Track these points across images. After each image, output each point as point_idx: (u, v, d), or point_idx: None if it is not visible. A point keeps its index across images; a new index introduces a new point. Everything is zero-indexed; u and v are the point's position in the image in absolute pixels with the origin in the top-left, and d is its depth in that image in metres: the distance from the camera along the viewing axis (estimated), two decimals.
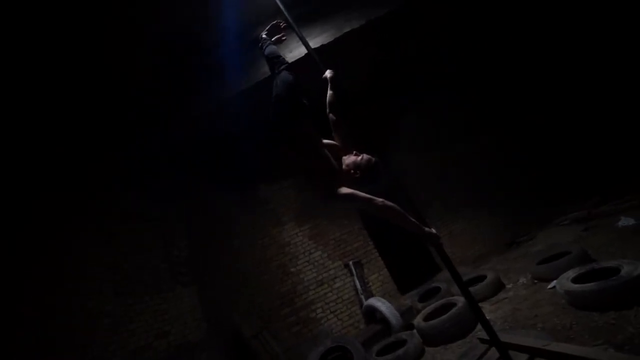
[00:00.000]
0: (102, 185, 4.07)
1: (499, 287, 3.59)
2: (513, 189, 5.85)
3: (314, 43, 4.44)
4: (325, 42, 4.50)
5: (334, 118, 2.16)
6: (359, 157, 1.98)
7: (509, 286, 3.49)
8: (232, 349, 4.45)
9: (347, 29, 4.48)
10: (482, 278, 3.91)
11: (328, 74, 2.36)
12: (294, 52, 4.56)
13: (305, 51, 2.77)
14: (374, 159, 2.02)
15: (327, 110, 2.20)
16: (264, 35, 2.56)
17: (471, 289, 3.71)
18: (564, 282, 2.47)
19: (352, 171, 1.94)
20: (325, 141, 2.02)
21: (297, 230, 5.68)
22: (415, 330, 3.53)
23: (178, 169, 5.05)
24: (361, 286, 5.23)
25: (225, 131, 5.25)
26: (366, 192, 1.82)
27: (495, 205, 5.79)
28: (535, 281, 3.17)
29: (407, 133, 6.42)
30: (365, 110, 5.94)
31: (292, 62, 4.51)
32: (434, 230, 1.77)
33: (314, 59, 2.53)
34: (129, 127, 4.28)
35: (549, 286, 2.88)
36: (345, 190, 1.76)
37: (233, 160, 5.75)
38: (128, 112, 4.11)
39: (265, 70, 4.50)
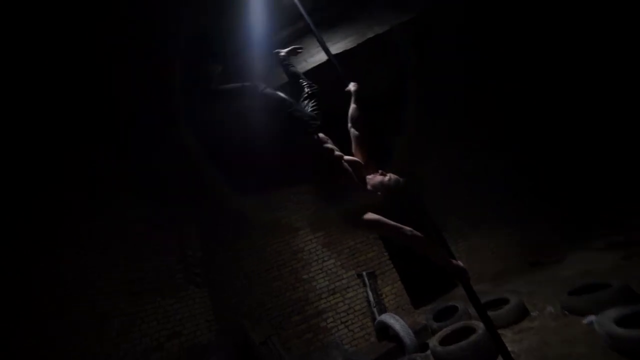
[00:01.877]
0: (118, 188, 4.15)
1: (523, 313, 3.35)
2: (538, 204, 5.51)
3: (336, 48, 4.35)
4: (347, 48, 4.40)
5: (357, 133, 2.02)
6: (386, 177, 1.84)
7: (534, 314, 3.26)
8: (241, 353, 4.43)
9: (370, 35, 4.35)
10: (503, 301, 3.68)
11: (352, 87, 2.25)
12: (315, 57, 4.49)
13: (326, 57, 2.68)
14: (402, 180, 1.90)
15: (349, 124, 2.07)
16: (282, 54, 2.43)
17: (491, 313, 3.51)
18: (606, 322, 2.22)
19: (379, 193, 1.80)
20: (347, 157, 1.85)
21: (311, 236, 5.61)
22: (429, 352, 3.36)
23: (193, 171, 5.09)
24: (374, 298, 5.08)
25: (242, 136, 5.25)
26: (389, 216, 1.69)
27: (518, 220, 5.48)
28: (566, 312, 2.91)
29: (425, 142, 6.19)
30: (384, 117, 5.79)
31: (312, 68, 4.45)
32: (461, 264, 1.63)
33: (335, 65, 2.44)
34: (145, 130, 4.36)
35: (584, 321, 2.63)
36: (370, 215, 1.59)
37: (249, 164, 5.75)
38: (144, 116, 4.17)
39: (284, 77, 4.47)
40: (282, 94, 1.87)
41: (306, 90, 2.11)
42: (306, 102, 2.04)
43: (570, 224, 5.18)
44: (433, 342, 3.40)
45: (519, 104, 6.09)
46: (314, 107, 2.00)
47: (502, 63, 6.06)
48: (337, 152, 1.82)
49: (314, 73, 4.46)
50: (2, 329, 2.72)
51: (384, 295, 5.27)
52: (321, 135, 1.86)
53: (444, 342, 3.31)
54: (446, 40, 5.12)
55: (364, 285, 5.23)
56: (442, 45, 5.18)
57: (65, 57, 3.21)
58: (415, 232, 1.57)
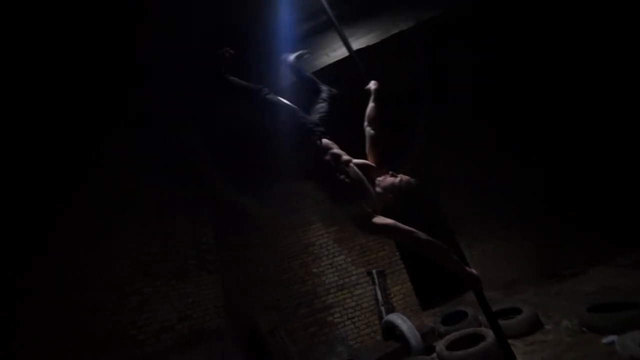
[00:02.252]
0: (137, 171, 4.29)
1: (536, 325, 3.26)
2: (558, 214, 5.27)
3: (359, 44, 4.28)
4: (370, 43, 4.31)
5: (372, 133, 1.97)
6: (397, 179, 1.81)
7: (548, 327, 3.16)
8: (249, 341, 4.54)
9: (394, 31, 4.25)
10: (515, 311, 3.58)
11: (372, 85, 2.20)
12: (337, 51, 4.44)
13: (347, 53, 2.65)
14: (413, 181, 1.86)
15: (365, 123, 2.02)
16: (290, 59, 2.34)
17: (503, 322, 3.43)
18: (630, 344, 2.11)
19: (390, 195, 1.77)
20: (356, 161, 1.82)
21: (323, 231, 5.63)
22: (435, 356, 3.33)
23: (211, 160, 5.19)
24: (382, 297, 5.07)
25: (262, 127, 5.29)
26: (401, 218, 1.66)
27: (536, 229, 5.28)
28: (584, 329, 2.79)
29: (442, 142, 6.03)
30: (402, 115, 5.68)
31: (334, 62, 4.40)
32: (475, 272, 1.59)
33: (356, 62, 2.40)
34: (167, 118, 4.46)
35: (604, 341, 2.50)
36: (382, 220, 1.55)
37: (267, 155, 5.79)
38: (168, 103, 4.27)
39: (312, 64, 4.44)
40: (284, 101, 1.85)
41: (323, 95, 2.09)
42: (320, 105, 2.02)
43: (592, 237, 4.94)
44: (440, 345, 3.37)
45: (542, 111, 5.84)
46: (324, 113, 1.98)
47: (524, 67, 5.80)
48: (345, 157, 1.78)
49: (336, 68, 4.43)
50: (34, 301, 2.91)
51: (392, 295, 5.25)
52: (325, 141, 1.81)
53: (451, 347, 3.27)
54: (468, 41, 4.95)
55: (373, 283, 5.22)
56: (464, 46, 5.02)
57: (77, 30, 3.22)
58: (429, 237, 1.54)
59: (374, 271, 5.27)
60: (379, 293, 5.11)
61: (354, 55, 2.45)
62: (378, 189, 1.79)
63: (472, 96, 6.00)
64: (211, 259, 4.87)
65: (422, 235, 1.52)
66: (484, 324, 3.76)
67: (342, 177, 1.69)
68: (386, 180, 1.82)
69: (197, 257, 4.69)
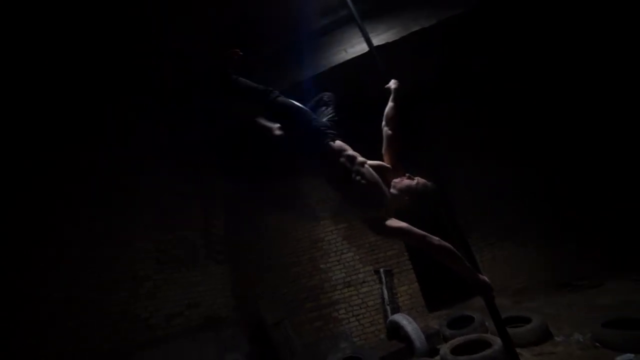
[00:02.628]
0: (153, 164, 4.38)
1: (545, 335, 3.19)
2: (575, 221, 5.11)
3: (378, 40, 4.21)
4: (390, 40, 4.24)
5: (390, 133, 1.95)
6: (414, 181, 1.79)
7: (558, 339, 3.09)
8: (254, 331, 4.64)
9: (415, 28, 4.16)
10: (524, 320, 3.51)
11: (392, 84, 2.17)
12: (356, 47, 4.38)
13: (367, 48, 2.61)
14: (430, 185, 1.84)
15: (383, 123, 2.00)
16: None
17: (511, 330, 3.37)
18: None
19: (406, 197, 1.76)
20: (371, 162, 1.82)
21: (333, 227, 5.65)
22: (439, 359, 3.32)
23: (222, 152, 5.27)
24: (388, 296, 5.08)
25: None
26: (415, 221, 1.65)
27: (550, 237, 5.14)
28: (597, 344, 2.70)
29: (457, 143, 5.90)
30: (416, 114, 5.60)
31: (352, 59, 4.36)
32: (487, 279, 1.56)
33: (376, 59, 2.36)
34: (180, 103, 4.52)
35: (619, 358, 2.40)
36: (396, 222, 1.56)
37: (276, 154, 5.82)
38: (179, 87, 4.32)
39: (330, 59, 4.42)
40: (296, 103, 1.86)
41: (324, 98, 2.11)
42: (324, 109, 2.04)
43: (611, 249, 4.78)
44: (444, 349, 3.35)
45: (562, 116, 5.64)
46: (331, 115, 2.00)
47: (542, 72, 5.59)
48: (360, 158, 1.79)
49: (353, 65, 4.38)
50: (60, 278, 3.06)
51: (399, 295, 5.25)
52: (339, 142, 1.83)
53: (455, 351, 3.25)
54: (487, 41, 4.81)
55: (380, 282, 5.22)
56: (483, 46, 4.88)
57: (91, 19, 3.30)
58: (443, 242, 1.52)
59: (381, 270, 5.26)
60: (385, 292, 5.11)
61: (374, 51, 2.41)
62: (393, 191, 1.77)
63: (491, 98, 5.85)
64: (220, 250, 4.98)
65: (435, 240, 1.51)
66: (491, 331, 3.72)
67: (357, 178, 1.69)
68: (402, 182, 1.80)
69: (207, 247, 4.80)
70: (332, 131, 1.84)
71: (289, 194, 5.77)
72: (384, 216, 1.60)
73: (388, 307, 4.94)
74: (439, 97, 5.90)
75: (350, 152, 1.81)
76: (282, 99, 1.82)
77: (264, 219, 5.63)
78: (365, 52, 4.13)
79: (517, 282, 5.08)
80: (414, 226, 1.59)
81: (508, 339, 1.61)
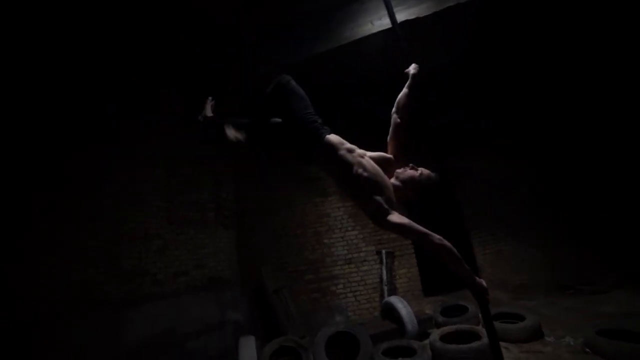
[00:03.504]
0: (166, 127, 4.41)
1: (536, 334, 3.22)
2: (584, 223, 4.98)
3: (408, 14, 3.92)
4: (421, 15, 3.93)
5: (398, 121, 1.85)
6: (417, 172, 1.73)
7: (548, 339, 3.12)
8: (254, 296, 4.89)
9: (451, 3, 3.82)
10: (518, 317, 3.55)
11: (412, 69, 2.02)
12: (383, 20, 4.09)
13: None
14: (434, 176, 1.78)
15: (394, 109, 1.89)
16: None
17: (502, 325, 3.43)
18: None
19: (409, 190, 1.71)
20: (370, 154, 1.78)
21: (340, 204, 5.68)
22: (428, 343, 3.44)
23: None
24: (387, 277, 5.19)
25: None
26: (411, 214, 1.63)
27: (555, 236, 5.06)
28: (587, 350, 2.72)
29: (467, 134, 5.67)
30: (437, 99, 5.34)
31: (378, 32, 4.09)
32: (484, 283, 1.54)
33: (397, 36, 2.18)
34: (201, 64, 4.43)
35: None
36: (398, 218, 1.51)
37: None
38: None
39: (354, 31, 4.17)
40: (303, 92, 1.82)
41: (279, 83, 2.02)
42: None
43: (622, 256, 4.65)
44: (434, 335, 3.45)
45: (569, 117, 5.32)
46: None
47: (554, 69, 5.19)
48: (358, 150, 1.74)
49: (380, 38, 4.13)
50: (76, 229, 3.25)
51: (397, 277, 5.35)
52: (334, 136, 1.76)
53: (445, 338, 3.34)
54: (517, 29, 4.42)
55: (381, 262, 5.32)
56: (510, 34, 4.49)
57: None
58: (444, 241, 1.49)
59: (383, 251, 5.34)
60: (384, 273, 5.21)
61: (396, 26, 2.21)
62: (396, 182, 1.73)
63: (503, 92, 5.58)
64: (228, 215, 5.12)
65: (436, 238, 1.48)
66: (483, 323, 3.78)
67: (359, 170, 1.64)
68: (405, 172, 1.74)
69: (216, 211, 4.93)
70: (326, 126, 1.79)
71: (299, 166, 5.76)
72: (386, 209, 1.56)
73: (385, 288, 5.07)
74: (454, 85, 5.61)
75: (348, 145, 1.76)
76: (293, 83, 1.79)
77: (273, 188, 5.69)
78: (374, 33, 3.90)
79: (517, 278, 5.07)
80: (415, 221, 1.57)
81: (493, 333, 1.62)
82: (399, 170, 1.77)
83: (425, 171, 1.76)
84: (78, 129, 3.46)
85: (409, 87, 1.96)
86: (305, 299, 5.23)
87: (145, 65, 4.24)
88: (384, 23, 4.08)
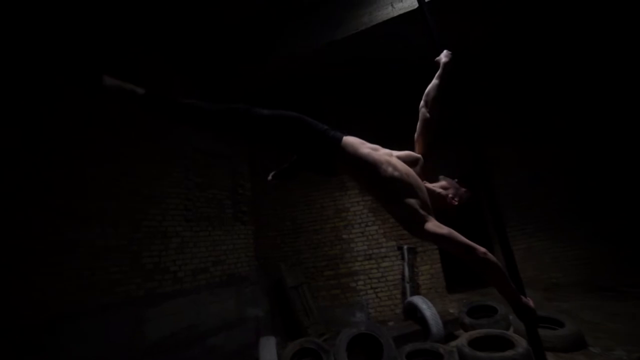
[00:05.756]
0: (177, 125, 4.34)
1: (578, 344, 2.95)
2: (626, 218, 4.56)
3: None
4: None
5: (428, 116, 1.65)
6: (463, 188, 1.60)
7: (593, 349, 2.84)
8: (273, 292, 4.85)
9: None
10: (555, 322, 3.28)
11: (443, 57, 1.78)
12: (405, 2, 3.77)
13: (416, 4, 2.17)
14: (470, 194, 1.63)
15: (422, 103, 1.69)
16: None
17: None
18: None
19: (450, 197, 1.55)
20: (397, 153, 1.58)
21: (359, 198, 5.49)
22: (455, 348, 3.25)
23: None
24: (409, 274, 5.00)
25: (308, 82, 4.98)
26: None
27: (595, 233, 4.67)
28: None
29: (503, 121, 5.27)
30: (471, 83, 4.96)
31: (398, 16, 3.78)
32: (531, 303, 1.33)
33: (425, 18, 1.94)
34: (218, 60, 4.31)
35: None
36: (436, 227, 1.31)
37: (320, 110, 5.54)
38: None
39: (373, 15, 3.87)
40: (280, 113, 1.54)
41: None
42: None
43: None
44: (462, 339, 3.26)
45: (616, 104, 4.78)
46: None
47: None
48: (383, 150, 1.55)
49: (400, 23, 3.81)
50: (99, 227, 3.26)
51: (420, 274, 5.15)
52: (351, 138, 1.54)
53: (474, 344, 3.14)
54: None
55: (402, 258, 5.12)
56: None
57: None
58: (489, 255, 1.28)
59: (405, 246, 5.13)
60: (406, 269, 5.02)
61: (424, 6, 1.97)
62: (435, 188, 1.56)
63: (539, 76, 5.09)
64: (245, 211, 5.06)
65: (481, 252, 1.26)
66: (514, 327, 3.54)
67: (389, 169, 1.44)
68: (450, 181, 1.61)
69: (234, 207, 4.89)
70: (335, 134, 1.54)
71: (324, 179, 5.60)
72: (423, 215, 1.35)
73: (407, 285, 4.89)
74: (484, 71, 5.19)
75: (369, 144, 1.56)
76: (267, 111, 1.49)
77: (290, 184, 5.56)
78: (416, 8, 3.55)
79: (551, 276, 4.75)
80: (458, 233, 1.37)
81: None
82: (442, 177, 1.65)
83: (465, 189, 1.63)
84: (97, 130, 3.43)
85: (440, 78, 1.73)
86: (325, 295, 5.15)
87: (160, 59, 4.15)
88: (406, 5, 3.76)
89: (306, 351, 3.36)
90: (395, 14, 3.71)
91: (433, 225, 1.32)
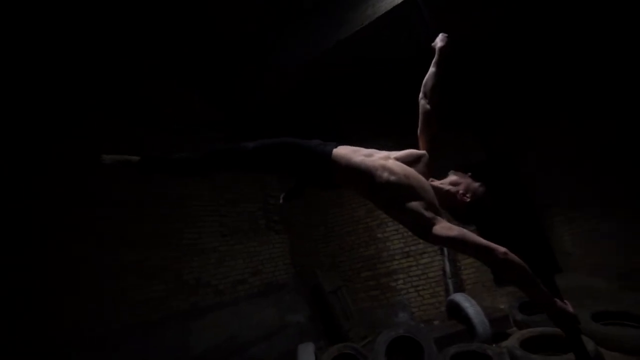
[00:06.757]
0: (208, 131, 4.61)
1: None
2: None
3: None
4: None
5: (428, 107, 1.55)
6: (477, 183, 1.42)
7: None
8: (311, 297, 4.90)
9: None
10: (632, 318, 2.87)
11: (439, 41, 1.66)
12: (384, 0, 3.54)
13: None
14: (486, 191, 1.43)
15: (421, 95, 1.59)
16: None
17: (607, 329, 2.81)
18: None
19: (461, 193, 1.39)
20: (396, 154, 1.49)
21: None
22: (505, 349, 3.01)
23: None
24: (450, 269, 4.74)
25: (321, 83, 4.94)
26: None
27: None
28: None
29: (534, 93, 4.70)
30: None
31: (382, 15, 3.58)
32: (570, 308, 1.14)
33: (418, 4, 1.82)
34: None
35: None
36: (444, 229, 1.19)
37: (329, 113, 5.50)
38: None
39: (354, 23, 3.75)
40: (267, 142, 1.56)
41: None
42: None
43: None
44: (513, 339, 3.00)
45: None
46: None
47: None
48: (378, 154, 1.46)
49: (386, 22, 3.62)
50: (139, 247, 3.57)
51: (463, 268, 4.85)
52: (343, 147, 1.50)
53: (526, 344, 2.88)
54: None
55: (442, 253, 4.88)
56: None
57: None
58: (511, 255, 1.13)
59: None
60: (447, 265, 4.77)
61: None
62: (445, 185, 1.43)
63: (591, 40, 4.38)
64: (277, 220, 5.18)
65: (500, 253, 1.10)
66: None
67: (385, 175, 1.35)
68: (462, 177, 1.44)
69: (266, 218, 5.03)
70: (329, 142, 1.53)
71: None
72: (429, 218, 1.23)
73: (450, 281, 4.64)
74: (507, 47, 4.66)
75: (364, 150, 1.48)
76: (252, 144, 1.50)
77: (318, 190, 5.58)
78: (397, 4, 3.36)
79: (624, 262, 4.11)
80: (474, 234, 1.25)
81: None
82: (451, 172, 1.49)
83: (480, 183, 1.43)
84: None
85: (437, 65, 1.62)
86: (364, 296, 5.09)
87: (182, 80, 4.41)
88: (386, 4, 3.55)
89: (345, 356, 3.34)
90: (379, 12, 3.54)
91: (441, 227, 1.20)
